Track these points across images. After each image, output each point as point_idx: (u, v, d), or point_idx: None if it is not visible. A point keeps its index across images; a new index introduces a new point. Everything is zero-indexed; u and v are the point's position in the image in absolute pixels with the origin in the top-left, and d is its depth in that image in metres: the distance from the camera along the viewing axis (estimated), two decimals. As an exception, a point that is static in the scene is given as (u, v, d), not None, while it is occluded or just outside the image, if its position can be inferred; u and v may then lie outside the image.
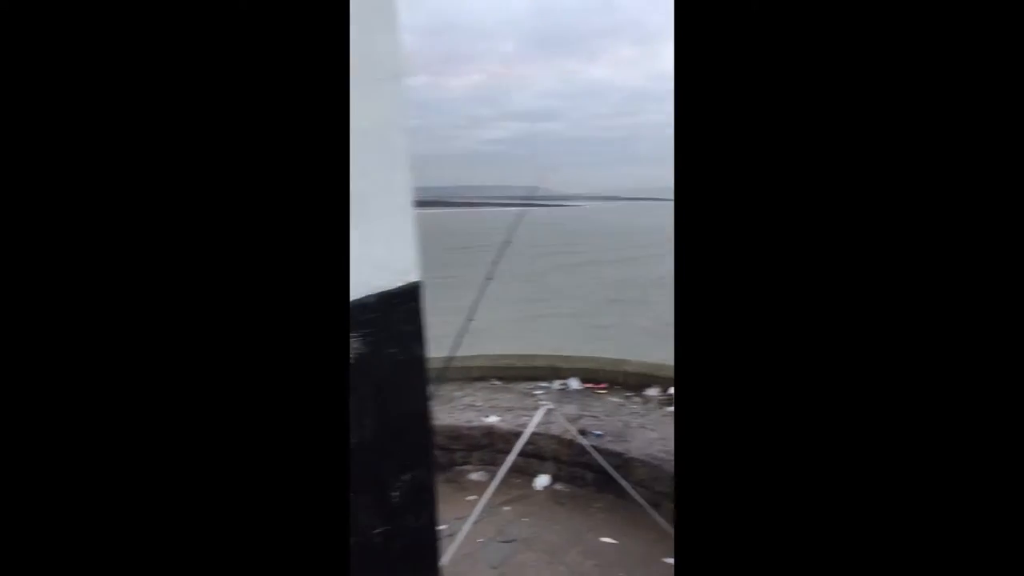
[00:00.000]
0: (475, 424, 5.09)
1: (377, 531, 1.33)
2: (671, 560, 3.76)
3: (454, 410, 5.39)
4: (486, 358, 6.70)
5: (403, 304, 1.39)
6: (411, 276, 1.43)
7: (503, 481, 4.78)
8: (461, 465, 5.11)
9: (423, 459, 1.47)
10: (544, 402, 4.40)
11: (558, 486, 4.76)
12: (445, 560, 3.54)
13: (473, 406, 5.48)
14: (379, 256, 1.33)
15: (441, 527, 4.14)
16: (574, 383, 5.96)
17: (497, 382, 6.15)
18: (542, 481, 4.77)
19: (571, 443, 4.53)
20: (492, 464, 4.68)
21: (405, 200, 1.40)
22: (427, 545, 1.50)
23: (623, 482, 4.10)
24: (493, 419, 5.13)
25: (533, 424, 4.26)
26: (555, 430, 4.65)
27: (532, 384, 6.07)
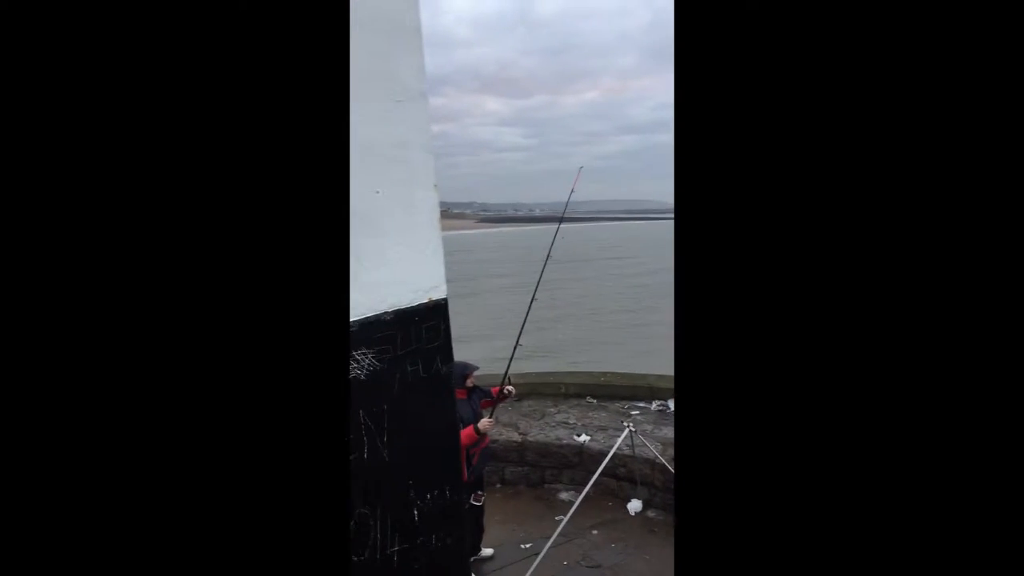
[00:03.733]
0: (566, 442, 5.00)
1: (393, 549, 1.34)
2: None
3: (546, 427, 5.33)
4: (584, 375, 6.60)
5: (425, 322, 1.40)
6: (435, 294, 1.43)
7: (594, 504, 4.66)
8: (551, 483, 5.04)
9: (448, 479, 1.45)
10: (628, 424, 4.21)
11: (651, 513, 4.53)
12: (524, 580, 3.49)
13: (566, 424, 5.39)
14: (397, 273, 1.35)
15: (526, 546, 4.11)
16: (673, 404, 5.67)
17: (592, 400, 6.02)
18: (634, 507, 4.56)
19: (665, 468, 4.29)
20: (583, 484, 4.55)
21: (428, 218, 1.41)
22: (454, 565, 1.48)
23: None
24: (585, 438, 5.01)
25: (616, 446, 4.10)
26: (649, 453, 4.43)
27: (629, 403, 5.86)
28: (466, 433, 3.53)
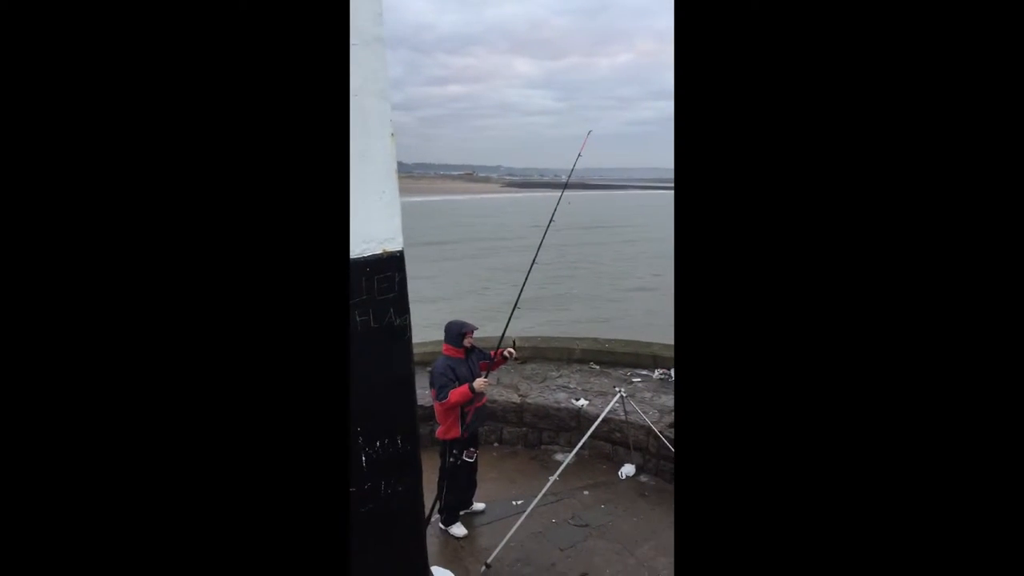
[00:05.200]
0: (564, 406, 5.05)
1: (338, 491, 1.38)
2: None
3: (546, 390, 5.38)
4: (588, 340, 6.60)
5: (378, 272, 1.40)
6: (390, 245, 1.43)
7: (588, 467, 4.72)
8: (548, 445, 5.11)
9: (401, 428, 1.48)
10: (620, 389, 4.22)
11: (643, 478, 4.58)
12: (510, 534, 3.58)
13: (566, 388, 5.43)
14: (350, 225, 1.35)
15: (517, 502, 4.19)
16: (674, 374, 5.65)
17: (596, 366, 6.04)
18: (626, 470, 4.62)
19: (659, 435, 4.32)
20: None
21: (382, 168, 1.39)
22: (405, 511, 1.52)
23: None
24: (583, 402, 5.05)
25: (606, 411, 4.12)
26: (643, 419, 4.45)
27: (632, 371, 5.87)
28: (461, 391, 3.59)
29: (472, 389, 3.61)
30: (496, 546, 3.57)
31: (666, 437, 4.22)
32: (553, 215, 4.12)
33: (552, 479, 3.87)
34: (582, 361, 6.13)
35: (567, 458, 4.28)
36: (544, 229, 4.06)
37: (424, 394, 4.91)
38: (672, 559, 3.62)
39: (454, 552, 3.75)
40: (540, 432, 5.13)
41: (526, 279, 4.05)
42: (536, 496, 3.78)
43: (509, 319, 4.06)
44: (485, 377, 3.76)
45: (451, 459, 3.79)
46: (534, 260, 4.05)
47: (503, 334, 4.09)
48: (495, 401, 5.05)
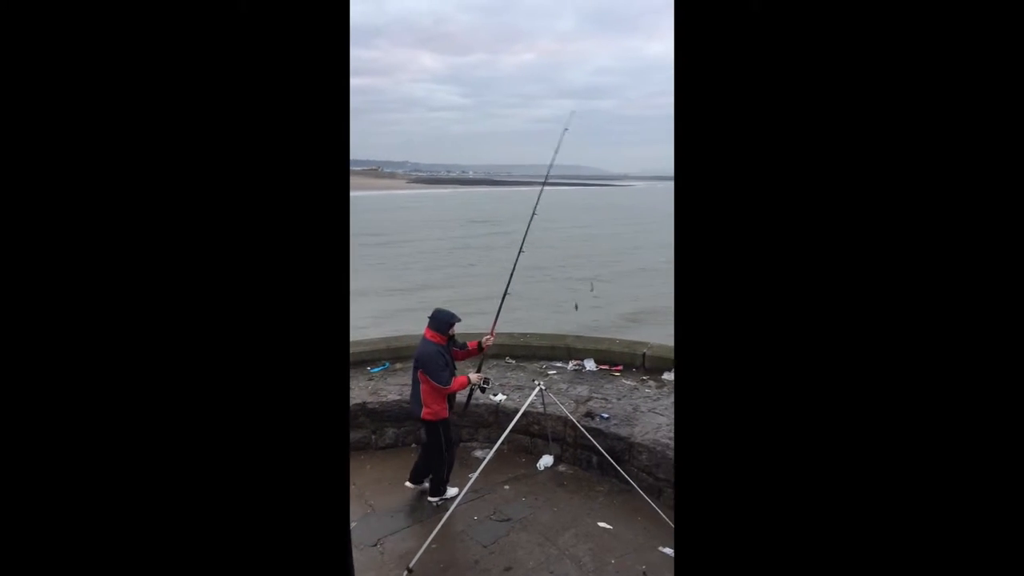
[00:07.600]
0: (482, 402, 5.03)
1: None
2: (667, 549, 3.61)
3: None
4: (504, 335, 6.63)
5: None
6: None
7: (507, 460, 4.74)
8: (467, 442, 5.08)
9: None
10: (539, 382, 4.28)
11: (562, 467, 4.67)
12: (432, 536, 3.52)
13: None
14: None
15: (436, 503, 4.11)
16: (589, 364, 5.82)
17: (511, 360, 6.08)
18: (545, 462, 4.68)
19: (576, 425, 4.41)
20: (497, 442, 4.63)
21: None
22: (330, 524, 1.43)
23: (619, 468, 3.96)
24: (501, 397, 5.06)
25: (526, 404, 4.16)
26: (561, 411, 4.53)
27: (546, 363, 5.97)
28: (460, 382, 4.03)
29: (469, 380, 4.08)
30: (418, 549, 3.49)
31: (582, 426, 4.32)
32: (535, 209, 4.38)
33: (472, 478, 3.84)
34: (498, 356, 6.14)
35: (487, 455, 4.27)
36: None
37: (372, 386, 4.83)
38: (592, 545, 3.74)
39: (373, 560, 3.63)
40: (459, 430, 5.08)
41: (512, 273, 4.19)
42: (457, 495, 3.74)
43: (500, 307, 4.24)
44: (478, 370, 4.24)
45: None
46: (520, 251, 4.26)
47: (494, 323, 4.28)
48: (407, 403, 4.96)
